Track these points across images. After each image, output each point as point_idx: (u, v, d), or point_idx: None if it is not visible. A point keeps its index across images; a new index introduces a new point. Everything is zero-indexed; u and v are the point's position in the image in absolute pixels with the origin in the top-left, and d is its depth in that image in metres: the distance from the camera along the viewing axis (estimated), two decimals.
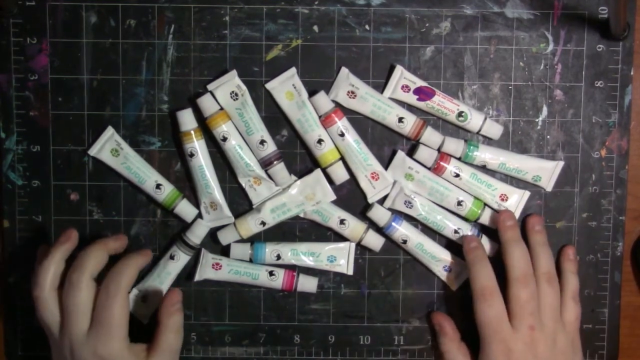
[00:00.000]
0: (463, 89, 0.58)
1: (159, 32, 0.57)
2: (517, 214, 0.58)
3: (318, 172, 0.57)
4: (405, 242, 0.58)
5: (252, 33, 0.57)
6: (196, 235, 0.58)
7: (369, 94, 0.57)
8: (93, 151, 0.57)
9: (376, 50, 0.58)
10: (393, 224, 0.58)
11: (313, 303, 0.60)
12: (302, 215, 0.58)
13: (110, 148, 0.57)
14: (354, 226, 0.58)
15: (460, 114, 0.57)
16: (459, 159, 0.58)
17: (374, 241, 0.58)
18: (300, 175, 0.58)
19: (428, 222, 0.58)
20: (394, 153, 0.58)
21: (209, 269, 0.58)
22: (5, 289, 0.60)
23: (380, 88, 0.58)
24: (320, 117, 0.57)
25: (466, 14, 0.57)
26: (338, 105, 0.57)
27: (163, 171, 0.58)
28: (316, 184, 0.57)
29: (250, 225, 0.58)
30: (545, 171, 0.58)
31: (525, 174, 0.58)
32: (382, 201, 0.59)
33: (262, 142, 0.56)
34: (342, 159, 0.57)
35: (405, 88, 0.57)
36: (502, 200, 0.58)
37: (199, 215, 0.58)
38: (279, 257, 0.58)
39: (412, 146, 0.58)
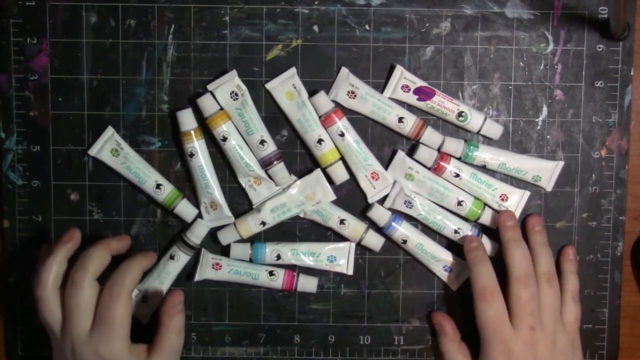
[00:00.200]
0: (463, 89, 0.58)
1: (159, 32, 0.57)
2: (517, 214, 0.58)
3: (318, 172, 0.57)
4: (405, 242, 0.58)
5: (252, 33, 0.57)
6: (196, 235, 0.58)
7: (369, 94, 0.57)
8: (93, 151, 0.57)
9: (376, 50, 0.58)
10: (393, 224, 0.58)
11: (313, 303, 0.60)
12: (302, 215, 0.58)
13: (110, 148, 0.57)
14: (354, 226, 0.58)
15: (460, 114, 0.57)
16: (459, 159, 0.58)
17: (374, 241, 0.58)
18: (300, 175, 0.58)
19: (428, 222, 0.58)
20: (394, 153, 0.58)
21: (209, 269, 0.58)
22: (5, 289, 0.60)
23: (380, 88, 0.58)
24: (320, 117, 0.57)
25: (466, 14, 0.58)
26: (338, 105, 0.57)
27: (163, 171, 0.58)
28: (316, 184, 0.57)
29: (250, 225, 0.58)
30: (545, 171, 0.58)
31: (525, 174, 0.58)
32: (382, 201, 0.59)
33: (262, 142, 0.56)
34: (342, 159, 0.57)
35: (405, 88, 0.57)
36: (502, 200, 0.58)
37: (199, 215, 0.58)
38: (279, 257, 0.58)
39: (412, 146, 0.58)
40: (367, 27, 0.57)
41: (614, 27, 0.55)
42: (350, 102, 0.57)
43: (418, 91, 0.57)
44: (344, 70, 0.57)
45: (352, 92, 0.57)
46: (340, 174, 0.57)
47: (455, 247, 0.59)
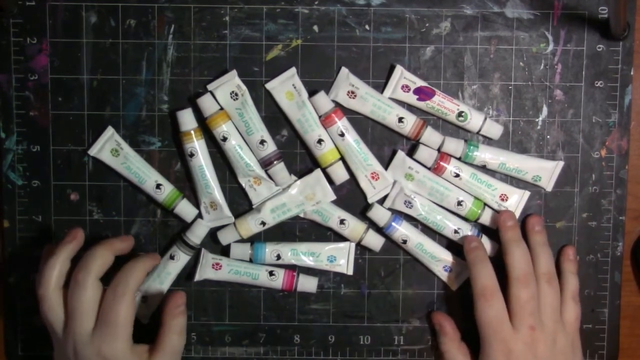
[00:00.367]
0: (463, 89, 0.58)
1: (159, 32, 0.57)
2: (517, 214, 0.58)
3: (318, 172, 0.58)
4: (405, 242, 0.58)
5: (252, 33, 0.57)
6: (196, 235, 0.58)
7: (369, 94, 0.57)
8: (93, 151, 0.57)
9: (376, 50, 0.58)
10: (393, 224, 0.58)
11: (313, 303, 0.60)
12: (302, 215, 0.58)
13: (110, 148, 0.57)
14: (354, 226, 0.58)
15: (460, 114, 0.57)
16: (459, 159, 0.58)
17: (374, 241, 0.58)
18: (300, 175, 0.58)
19: (428, 222, 0.58)
20: (394, 153, 0.58)
21: (209, 269, 0.58)
22: (5, 289, 0.60)
23: (380, 88, 0.58)
24: (320, 117, 0.57)
25: (466, 14, 0.58)
26: (338, 105, 0.57)
27: (163, 171, 0.58)
28: (316, 184, 0.57)
29: (250, 225, 0.58)
30: (545, 171, 0.58)
31: (525, 174, 0.58)
32: (382, 201, 0.59)
33: (262, 142, 0.56)
34: (342, 159, 0.57)
35: (405, 88, 0.57)
36: (502, 200, 0.58)
37: (199, 215, 0.58)
38: (279, 257, 0.58)
39: (412, 146, 0.58)
40: (367, 27, 0.57)
41: (614, 27, 0.55)
42: (350, 102, 0.57)
43: (418, 91, 0.57)
44: (344, 70, 0.57)
45: (352, 92, 0.57)
46: (340, 174, 0.57)
47: (455, 247, 0.59)
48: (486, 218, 0.58)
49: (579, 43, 0.58)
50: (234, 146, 0.56)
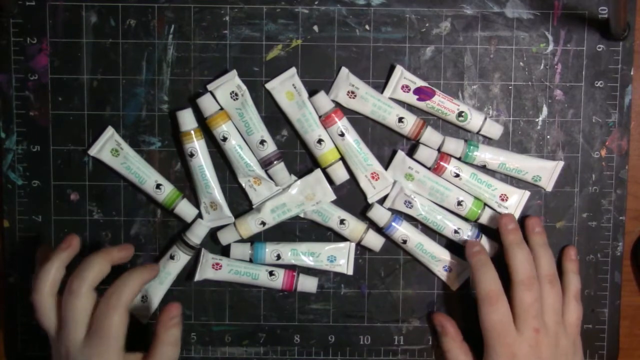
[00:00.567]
0: (463, 89, 0.58)
1: (159, 32, 0.57)
2: (517, 214, 0.58)
3: (318, 172, 0.58)
4: (405, 242, 0.58)
5: (252, 33, 0.57)
6: (196, 235, 0.58)
7: (369, 94, 0.57)
8: (93, 151, 0.57)
9: (376, 50, 0.58)
10: (393, 224, 0.58)
11: (313, 303, 0.60)
12: (302, 215, 0.58)
13: (110, 148, 0.57)
14: (354, 226, 0.58)
15: (460, 114, 0.57)
16: (459, 159, 0.58)
17: (374, 241, 0.58)
18: (300, 175, 0.58)
19: (428, 222, 0.58)
20: (394, 153, 0.58)
21: (209, 269, 0.58)
22: (5, 289, 0.60)
23: (380, 88, 0.58)
24: (320, 117, 0.57)
25: (466, 14, 0.58)
26: (338, 105, 0.57)
27: (163, 171, 0.58)
28: (316, 184, 0.57)
29: (250, 225, 0.58)
30: (545, 171, 0.58)
31: (525, 174, 0.58)
32: (382, 201, 0.59)
33: (262, 142, 0.56)
34: (342, 159, 0.57)
35: (405, 88, 0.57)
36: (502, 200, 0.58)
37: (199, 215, 0.58)
38: (279, 257, 0.58)
39: (412, 146, 0.58)
40: (367, 27, 0.57)
41: (614, 27, 0.55)
42: (350, 102, 0.57)
43: (418, 91, 0.57)
44: (344, 70, 0.57)
45: (352, 92, 0.57)
46: (340, 174, 0.57)
47: (455, 247, 0.59)
48: (486, 218, 0.58)
49: (579, 43, 0.58)
50: (234, 146, 0.56)
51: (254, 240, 0.59)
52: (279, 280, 0.58)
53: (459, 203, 0.58)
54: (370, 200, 0.59)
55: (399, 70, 0.57)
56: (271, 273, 0.58)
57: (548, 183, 0.58)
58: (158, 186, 0.57)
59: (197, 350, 0.60)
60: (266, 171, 0.57)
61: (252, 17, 0.57)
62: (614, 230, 0.59)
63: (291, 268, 0.59)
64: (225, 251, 0.59)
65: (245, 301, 0.60)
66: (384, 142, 0.58)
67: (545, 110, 0.58)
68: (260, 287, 0.60)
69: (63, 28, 0.57)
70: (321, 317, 0.60)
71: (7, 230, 0.59)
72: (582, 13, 0.58)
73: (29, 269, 0.58)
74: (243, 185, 0.58)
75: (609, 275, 0.59)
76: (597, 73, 0.58)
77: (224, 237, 0.58)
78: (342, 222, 0.58)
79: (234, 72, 0.57)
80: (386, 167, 0.58)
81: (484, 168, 0.58)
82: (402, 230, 0.58)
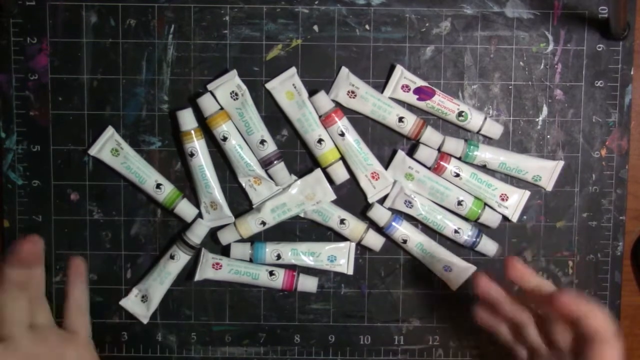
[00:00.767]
0: (463, 89, 0.58)
1: (159, 32, 0.57)
2: (517, 214, 0.58)
3: (318, 172, 0.57)
4: (405, 242, 0.58)
5: (252, 33, 0.57)
6: (196, 235, 0.58)
7: (369, 93, 0.57)
8: (93, 151, 0.57)
9: (376, 50, 0.58)
10: (393, 223, 0.58)
11: (313, 303, 0.60)
12: (302, 215, 0.58)
13: (110, 148, 0.57)
14: (354, 226, 0.58)
15: (460, 114, 0.57)
16: (459, 158, 0.58)
17: (374, 241, 0.58)
18: (301, 175, 0.58)
19: (428, 222, 0.58)
20: (394, 153, 0.58)
21: (209, 269, 0.58)
22: None
23: (381, 88, 0.58)
24: (320, 116, 0.57)
25: (466, 14, 0.58)
26: (338, 105, 0.57)
27: (163, 171, 0.58)
28: (316, 183, 0.57)
29: (250, 225, 0.58)
30: (546, 171, 0.58)
31: (526, 174, 0.58)
32: (382, 201, 0.58)
33: (262, 141, 0.56)
34: (342, 158, 0.57)
35: (406, 88, 0.57)
36: (502, 200, 0.58)
37: (199, 215, 0.58)
38: (279, 257, 0.58)
39: (412, 146, 0.58)
40: (367, 27, 0.57)
41: (614, 27, 0.55)
42: (351, 102, 0.57)
43: (418, 91, 0.57)
44: (344, 70, 0.57)
45: (352, 92, 0.57)
46: (340, 174, 0.57)
47: (455, 247, 0.59)
48: (486, 218, 0.58)
49: (579, 43, 0.58)
50: (234, 146, 0.56)
51: (254, 240, 0.59)
52: (279, 280, 0.58)
53: (459, 203, 0.58)
54: (370, 200, 0.59)
55: (399, 70, 0.57)
56: (271, 273, 0.58)
57: (548, 183, 0.58)
58: (158, 186, 0.57)
59: (197, 350, 0.60)
60: (266, 171, 0.57)
61: (252, 17, 0.57)
62: (614, 230, 0.59)
63: (291, 268, 0.59)
64: (225, 251, 0.59)
65: (246, 301, 0.60)
66: (384, 142, 0.58)
67: (545, 110, 0.58)
68: (260, 287, 0.60)
69: (63, 28, 0.57)
70: (321, 317, 0.60)
71: (7, 230, 0.59)
72: (582, 13, 0.58)
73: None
74: (243, 185, 0.58)
75: (609, 275, 0.59)
76: (597, 73, 0.58)
77: (224, 237, 0.58)
78: (342, 222, 0.58)
79: (234, 72, 0.57)
80: (386, 167, 0.58)
81: (484, 168, 0.58)
82: (402, 230, 0.58)
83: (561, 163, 0.58)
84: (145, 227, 0.59)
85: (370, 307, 0.60)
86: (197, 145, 0.56)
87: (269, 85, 0.57)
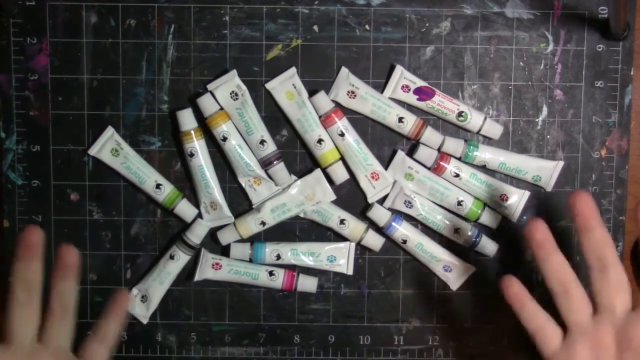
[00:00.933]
0: (463, 89, 0.58)
1: (159, 32, 0.57)
2: (517, 214, 0.58)
3: (318, 172, 0.58)
4: (405, 242, 0.58)
5: (252, 33, 0.57)
6: (196, 235, 0.58)
7: (369, 93, 0.57)
8: (93, 151, 0.57)
9: (376, 50, 0.58)
10: (393, 224, 0.58)
11: (313, 303, 0.60)
12: (302, 215, 0.58)
13: (110, 148, 0.57)
14: (354, 226, 0.58)
15: (460, 114, 0.57)
16: (459, 158, 0.58)
17: (374, 241, 0.58)
18: (300, 175, 0.58)
19: (428, 222, 0.58)
20: (394, 153, 0.58)
21: (209, 269, 0.58)
22: (5, 289, 0.59)
23: (380, 88, 0.58)
24: (320, 117, 0.57)
25: (466, 14, 0.58)
26: (338, 105, 0.57)
27: (163, 171, 0.58)
28: (316, 183, 0.57)
29: (250, 225, 0.58)
30: (545, 171, 0.58)
31: (525, 174, 0.58)
32: (382, 201, 0.58)
33: (262, 142, 0.56)
34: (342, 158, 0.57)
35: (405, 88, 0.57)
36: (502, 200, 0.58)
37: (199, 215, 0.58)
38: (279, 257, 0.58)
39: (412, 146, 0.58)
40: (367, 27, 0.57)
41: (614, 27, 0.55)
42: (350, 102, 0.57)
43: (418, 91, 0.57)
44: (344, 70, 0.57)
45: (352, 92, 0.57)
46: (340, 174, 0.57)
47: (455, 247, 0.59)
48: (486, 218, 0.58)
49: (579, 43, 0.58)
50: (234, 146, 0.56)
51: (253, 240, 0.59)
52: (278, 280, 0.58)
53: (459, 203, 0.58)
54: (370, 200, 0.59)
55: (399, 70, 0.57)
56: (271, 273, 0.58)
57: (548, 183, 0.58)
58: (158, 186, 0.57)
59: (197, 350, 0.60)
60: (266, 171, 0.57)
61: (252, 17, 0.57)
62: (614, 230, 0.59)
63: (291, 268, 0.59)
64: (225, 251, 0.59)
65: (245, 301, 0.60)
66: (384, 142, 0.58)
67: (545, 110, 0.58)
68: (260, 287, 0.60)
69: (63, 28, 0.57)
70: (321, 317, 0.60)
71: (7, 230, 0.59)
72: (582, 13, 0.58)
73: None
74: (243, 185, 0.58)
75: None
76: (597, 73, 0.58)
77: (224, 237, 0.58)
78: (342, 222, 0.58)
79: (234, 72, 0.57)
80: (386, 167, 0.58)
81: (484, 168, 0.58)
82: (402, 230, 0.58)
83: (561, 163, 0.58)
84: (145, 227, 0.59)
85: (370, 307, 0.60)
86: (197, 146, 0.56)
87: (269, 86, 0.57)
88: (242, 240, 0.59)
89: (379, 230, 0.58)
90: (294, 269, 0.59)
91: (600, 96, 0.58)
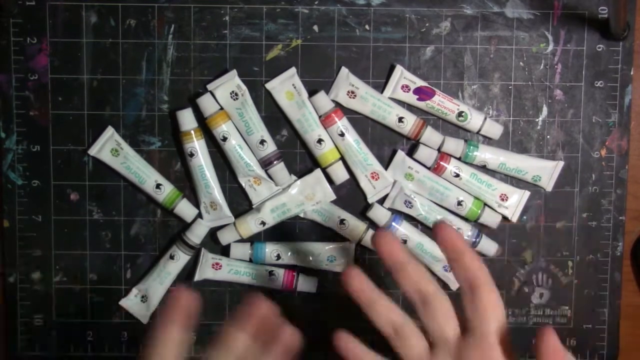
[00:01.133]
0: (463, 89, 0.58)
1: (159, 32, 0.57)
2: (517, 214, 0.58)
3: (318, 172, 0.58)
4: (405, 242, 0.58)
5: (252, 33, 0.57)
6: (196, 235, 0.58)
7: (369, 93, 0.57)
8: (93, 151, 0.57)
9: (376, 50, 0.58)
10: (393, 223, 0.58)
11: (313, 303, 0.60)
12: (302, 215, 0.58)
13: (110, 148, 0.57)
14: (354, 226, 0.58)
15: (460, 114, 0.57)
16: (459, 158, 0.58)
17: None
18: (300, 175, 0.58)
19: (428, 222, 0.58)
20: (394, 153, 0.58)
21: (208, 269, 0.58)
22: (5, 289, 0.60)
23: (380, 88, 0.58)
24: (320, 116, 0.57)
25: (466, 14, 0.58)
26: (338, 105, 0.57)
27: (163, 171, 0.58)
28: (316, 183, 0.57)
29: (250, 225, 0.58)
30: (545, 171, 0.58)
31: (525, 174, 0.58)
32: (382, 201, 0.58)
33: (262, 142, 0.56)
34: (342, 158, 0.57)
35: (405, 88, 0.57)
36: (502, 200, 0.58)
37: (199, 215, 0.58)
38: (278, 257, 0.58)
39: (412, 146, 0.58)
40: (367, 27, 0.57)
41: (614, 27, 0.55)
42: (350, 102, 0.57)
43: (418, 91, 0.57)
44: (344, 70, 0.57)
45: (352, 92, 0.57)
46: (340, 174, 0.57)
47: None
48: (486, 218, 0.58)
49: (579, 43, 0.58)
50: (234, 146, 0.56)
51: (253, 240, 0.59)
52: (278, 280, 0.58)
53: (459, 203, 0.58)
54: (370, 200, 0.59)
55: (398, 70, 0.57)
56: (271, 273, 0.58)
57: (548, 183, 0.58)
58: (158, 186, 0.57)
59: (197, 350, 0.60)
60: (266, 171, 0.57)
61: (252, 17, 0.57)
62: (614, 230, 0.59)
63: (291, 268, 0.59)
64: (225, 251, 0.59)
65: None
66: (384, 142, 0.58)
67: (545, 110, 0.58)
68: (260, 287, 0.60)
69: (63, 28, 0.57)
70: (321, 317, 0.60)
71: (7, 230, 0.59)
72: (582, 13, 0.58)
73: (29, 269, 0.58)
74: (243, 185, 0.58)
75: (609, 275, 0.59)
76: (597, 73, 0.58)
77: (224, 237, 0.58)
78: (342, 222, 0.58)
79: (234, 72, 0.57)
80: (386, 167, 0.58)
81: (484, 168, 0.58)
82: (402, 230, 0.58)
83: (561, 163, 0.58)
84: (145, 227, 0.59)
85: None
86: (197, 146, 0.56)
87: (268, 86, 0.57)
88: (242, 240, 0.59)
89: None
90: (294, 269, 0.59)
91: (600, 96, 0.58)
